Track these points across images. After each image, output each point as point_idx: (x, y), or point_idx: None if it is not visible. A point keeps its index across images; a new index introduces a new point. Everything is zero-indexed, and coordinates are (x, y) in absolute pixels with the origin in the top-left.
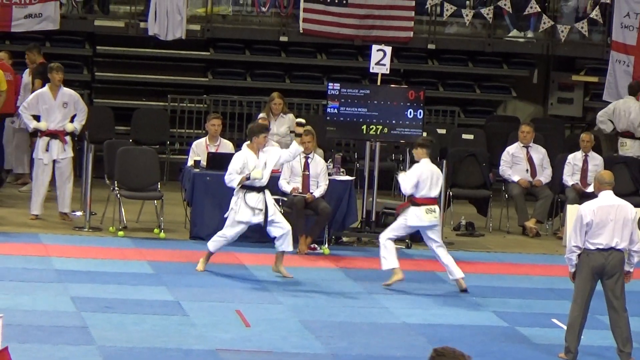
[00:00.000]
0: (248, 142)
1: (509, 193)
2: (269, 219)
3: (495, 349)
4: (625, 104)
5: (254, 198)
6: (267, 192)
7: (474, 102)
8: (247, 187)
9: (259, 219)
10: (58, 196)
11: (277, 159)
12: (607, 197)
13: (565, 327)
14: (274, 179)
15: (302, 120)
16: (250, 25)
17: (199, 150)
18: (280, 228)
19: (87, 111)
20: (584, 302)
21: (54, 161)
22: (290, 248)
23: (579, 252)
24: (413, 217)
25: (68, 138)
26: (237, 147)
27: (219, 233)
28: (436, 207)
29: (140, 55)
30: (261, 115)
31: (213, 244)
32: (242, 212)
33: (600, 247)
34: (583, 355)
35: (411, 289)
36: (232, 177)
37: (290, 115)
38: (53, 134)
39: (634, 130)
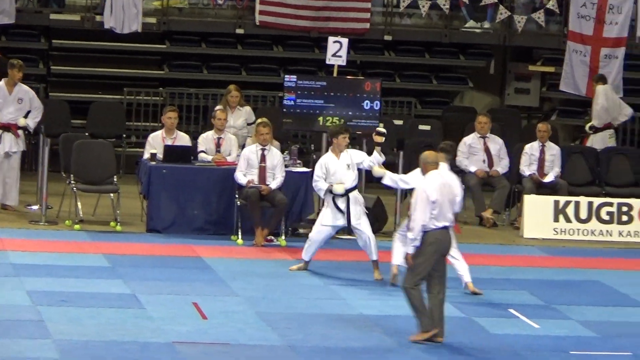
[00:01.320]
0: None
1: (466, 183)
2: (353, 224)
3: (453, 340)
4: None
5: (340, 201)
6: (354, 195)
7: (430, 93)
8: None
9: (343, 222)
10: (4, 188)
11: (360, 161)
12: (443, 174)
13: (523, 317)
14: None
15: (383, 130)
16: (207, 18)
17: (155, 143)
18: (360, 238)
19: (42, 109)
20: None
21: (6, 153)
22: (374, 257)
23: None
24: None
25: (20, 132)
26: (194, 139)
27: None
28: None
29: (96, 49)
30: (218, 107)
31: (306, 252)
32: (326, 216)
33: (447, 224)
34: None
35: (368, 280)
36: (317, 184)
37: (247, 108)
38: (5, 127)
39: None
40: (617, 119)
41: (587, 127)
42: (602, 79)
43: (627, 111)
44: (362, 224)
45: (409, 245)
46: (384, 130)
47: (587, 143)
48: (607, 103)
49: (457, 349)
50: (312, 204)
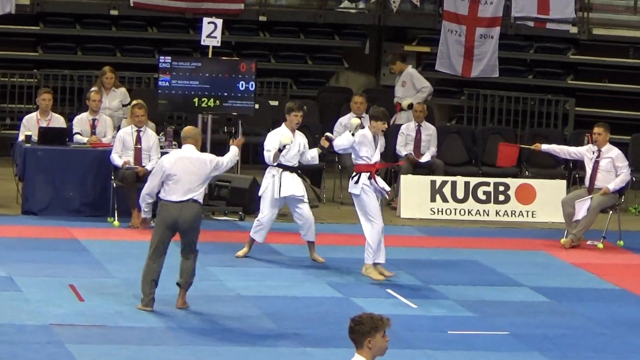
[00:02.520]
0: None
1: (342, 164)
2: (296, 205)
3: (330, 320)
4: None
5: (288, 177)
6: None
7: (306, 74)
8: (283, 165)
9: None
10: None
11: (304, 150)
12: (188, 150)
13: (401, 297)
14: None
15: (331, 135)
16: None
17: (29, 125)
18: (298, 220)
19: None
20: (160, 252)
21: None
22: (312, 238)
23: (150, 200)
24: None
25: None
26: (69, 121)
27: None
28: None
29: None
30: (93, 89)
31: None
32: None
33: (174, 199)
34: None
35: (245, 261)
36: (268, 153)
37: (122, 89)
38: None
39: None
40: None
41: (405, 104)
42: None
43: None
44: (304, 204)
45: None
46: (332, 135)
47: (396, 121)
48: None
49: (334, 329)
50: None
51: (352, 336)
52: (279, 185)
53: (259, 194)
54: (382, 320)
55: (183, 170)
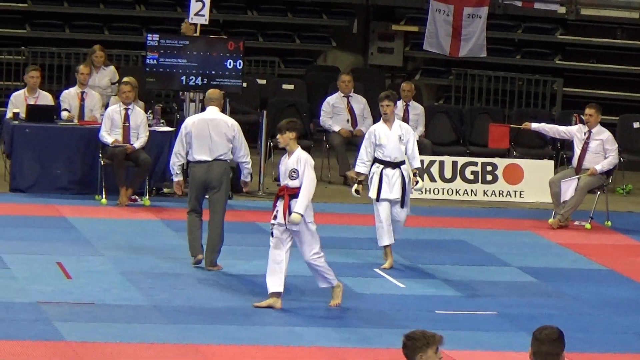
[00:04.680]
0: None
1: (329, 143)
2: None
3: (318, 299)
4: None
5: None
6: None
7: (293, 52)
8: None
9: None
10: None
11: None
12: (210, 112)
13: (388, 277)
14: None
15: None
16: None
17: (17, 103)
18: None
19: None
20: (198, 211)
21: None
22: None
23: (178, 162)
24: None
25: None
26: (56, 98)
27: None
28: None
29: None
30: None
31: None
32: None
33: (201, 159)
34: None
35: (233, 240)
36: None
37: (112, 67)
38: None
39: None
40: None
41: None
42: None
43: None
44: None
45: None
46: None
47: None
48: None
49: (323, 308)
50: None
51: (405, 351)
52: (376, 186)
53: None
54: (435, 337)
55: (206, 130)
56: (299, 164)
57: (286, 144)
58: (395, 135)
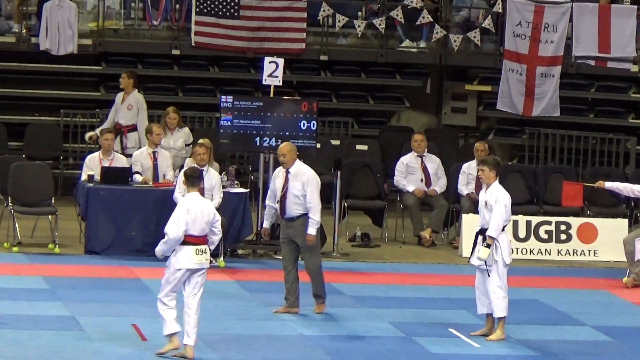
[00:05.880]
0: None
1: (404, 203)
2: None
3: (392, 359)
4: None
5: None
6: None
7: (367, 113)
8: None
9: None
10: None
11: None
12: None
13: (463, 337)
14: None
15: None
16: (142, 39)
17: (92, 165)
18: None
19: None
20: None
21: None
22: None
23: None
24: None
25: None
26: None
27: None
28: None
29: (32, 71)
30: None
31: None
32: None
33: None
34: None
35: (307, 301)
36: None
37: (186, 129)
38: None
39: None
40: None
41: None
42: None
43: None
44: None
45: None
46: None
47: None
48: None
49: None
50: (251, 225)
51: None
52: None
53: None
54: None
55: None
56: None
57: None
58: (482, 201)
